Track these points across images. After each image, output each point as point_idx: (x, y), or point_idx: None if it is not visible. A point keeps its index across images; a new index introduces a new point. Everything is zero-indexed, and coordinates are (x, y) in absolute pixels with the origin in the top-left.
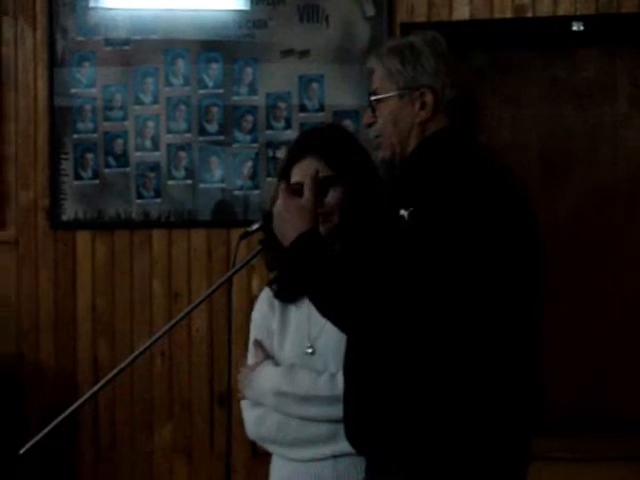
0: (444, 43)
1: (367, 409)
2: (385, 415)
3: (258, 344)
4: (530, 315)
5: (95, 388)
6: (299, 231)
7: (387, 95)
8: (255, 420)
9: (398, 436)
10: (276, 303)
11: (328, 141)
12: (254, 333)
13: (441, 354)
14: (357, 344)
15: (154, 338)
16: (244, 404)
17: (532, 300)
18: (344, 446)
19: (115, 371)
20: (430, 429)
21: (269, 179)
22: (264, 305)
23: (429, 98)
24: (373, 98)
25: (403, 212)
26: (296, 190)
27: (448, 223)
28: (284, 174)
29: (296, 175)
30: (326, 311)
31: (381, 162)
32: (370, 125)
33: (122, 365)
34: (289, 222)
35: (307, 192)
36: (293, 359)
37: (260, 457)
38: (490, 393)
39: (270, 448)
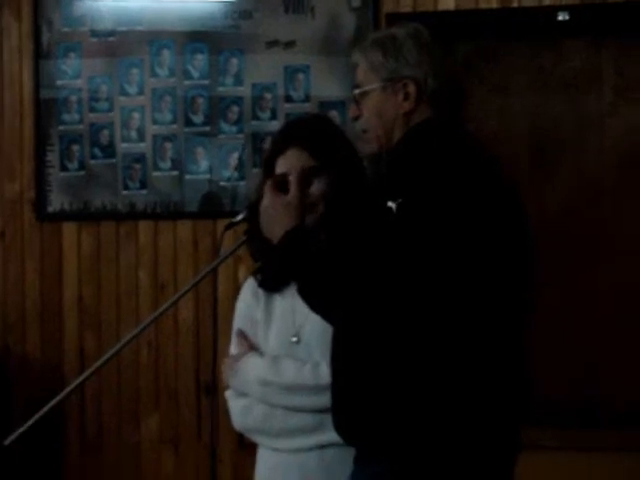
0: (427, 34)
1: (354, 399)
2: (373, 405)
3: (242, 334)
4: (518, 305)
5: (81, 378)
6: (286, 228)
7: (370, 87)
8: (240, 411)
9: (386, 426)
10: (260, 292)
11: (312, 132)
12: (238, 323)
13: (428, 344)
14: (344, 335)
15: (140, 328)
16: (229, 394)
17: (520, 291)
18: (330, 436)
19: (101, 361)
20: (418, 419)
21: (255, 170)
22: (248, 294)
23: (412, 89)
24: (357, 91)
25: (391, 204)
26: (281, 182)
27: (436, 215)
28: (268, 165)
29: (281, 166)
30: (316, 306)
31: (368, 155)
32: (356, 119)
33: (108, 355)
34: (276, 219)
35: (293, 188)
36: (278, 348)
37: (247, 447)
38: (477, 383)
39: (256, 438)
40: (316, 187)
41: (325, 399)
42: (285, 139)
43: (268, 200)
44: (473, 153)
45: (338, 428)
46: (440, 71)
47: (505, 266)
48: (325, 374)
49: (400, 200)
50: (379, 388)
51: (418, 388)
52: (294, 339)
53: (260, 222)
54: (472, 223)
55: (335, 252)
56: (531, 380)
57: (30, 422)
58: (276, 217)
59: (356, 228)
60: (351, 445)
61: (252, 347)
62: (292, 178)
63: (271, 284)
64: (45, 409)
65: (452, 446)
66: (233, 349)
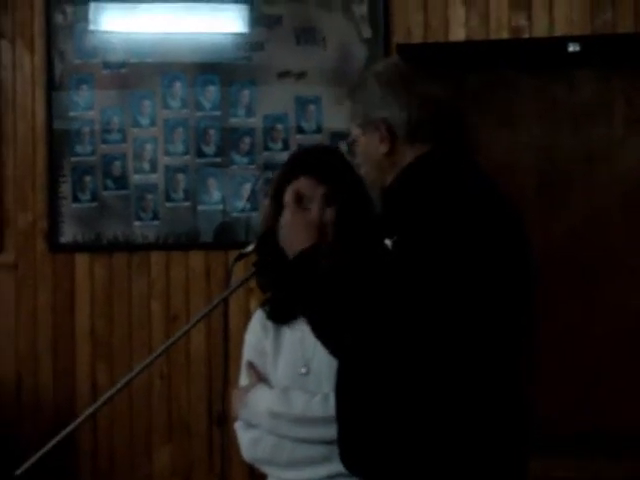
0: (395, 69)
1: (360, 432)
2: (379, 438)
3: (251, 366)
4: (519, 339)
5: (92, 407)
6: (304, 245)
7: (353, 136)
8: (250, 442)
9: (392, 459)
10: (269, 325)
11: (321, 161)
12: (247, 355)
13: (431, 379)
14: (348, 367)
15: (152, 357)
16: (238, 426)
17: (521, 323)
18: (339, 467)
19: (113, 390)
20: (423, 452)
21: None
22: (257, 326)
23: (383, 130)
24: (346, 141)
25: (387, 241)
26: (300, 198)
27: (430, 251)
28: (277, 194)
29: (290, 194)
30: (318, 329)
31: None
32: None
33: (120, 384)
34: (295, 235)
35: (316, 208)
36: (287, 380)
37: (258, 479)
38: (482, 417)
39: (266, 470)
40: (327, 214)
41: (334, 430)
42: (295, 167)
43: (290, 214)
44: (467, 185)
45: (344, 460)
46: (412, 106)
47: (504, 299)
48: (334, 405)
49: (395, 238)
50: (383, 421)
51: (422, 422)
52: (303, 370)
53: (279, 238)
54: (465, 258)
55: (340, 285)
56: (532, 412)
57: (41, 452)
58: (296, 233)
59: (359, 266)
60: (357, 477)
61: (261, 379)
62: (316, 198)
63: (280, 316)
64: (56, 439)
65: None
66: (242, 381)
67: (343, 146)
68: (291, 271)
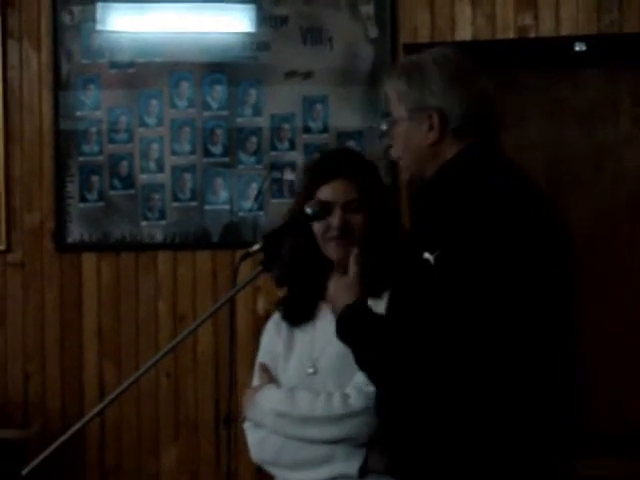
0: (456, 59)
1: (410, 439)
2: (428, 443)
3: (263, 367)
4: (567, 348)
5: (100, 406)
6: (346, 303)
7: (397, 117)
8: (257, 442)
9: (439, 464)
10: (283, 326)
11: (358, 165)
12: (261, 356)
13: (482, 400)
14: (399, 390)
15: (159, 355)
16: (247, 426)
17: (568, 337)
18: (341, 468)
19: (120, 388)
20: (472, 456)
21: (274, 200)
22: (271, 328)
23: (436, 120)
24: (385, 121)
25: (428, 256)
26: (325, 209)
27: (477, 267)
28: (309, 194)
29: (324, 194)
30: (374, 375)
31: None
32: (390, 147)
33: (127, 383)
34: (339, 298)
35: (353, 267)
36: (295, 380)
37: (265, 478)
38: (531, 439)
39: (271, 471)
40: (356, 220)
41: (337, 430)
42: (332, 168)
43: (333, 285)
44: (509, 185)
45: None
46: (467, 99)
47: (553, 312)
48: (338, 405)
49: (438, 252)
50: (432, 440)
51: (473, 436)
52: (310, 370)
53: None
54: (514, 273)
55: (386, 320)
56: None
57: (48, 451)
58: (339, 296)
59: (400, 286)
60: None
61: (272, 380)
62: (352, 258)
63: (293, 315)
64: (63, 438)
65: None
66: (255, 382)
67: (382, 126)
68: (338, 325)
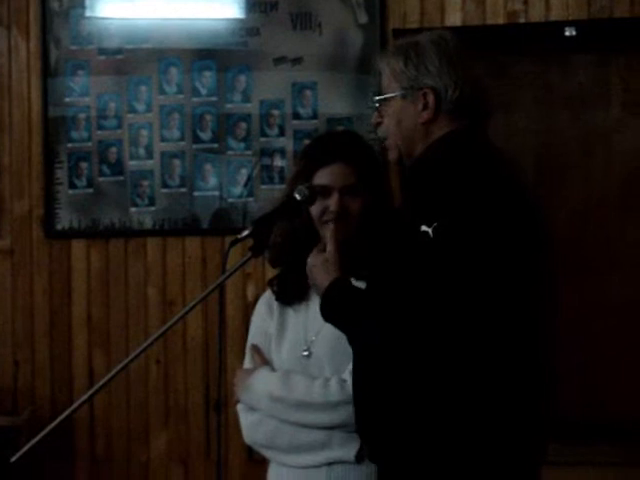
0: (453, 43)
1: (381, 421)
2: (400, 425)
3: (255, 348)
4: (548, 325)
5: (89, 393)
6: (326, 283)
7: (390, 95)
8: (250, 425)
9: (411, 448)
10: (275, 306)
11: (356, 149)
12: (252, 337)
13: (464, 370)
14: (372, 356)
15: (148, 342)
16: (240, 408)
17: (551, 310)
18: (338, 453)
19: (109, 375)
20: (443, 443)
21: (264, 186)
22: (262, 308)
23: (431, 99)
24: (378, 98)
25: (425, 228)
26: (322, 192)
27: (475, 238)
28: (306, 177)
29: (322, 178)
30: (358, 346)
31: (390, 162)
32: (377, 125)
33: (116, 369)
34: (317, 276)
35: (330, 246)
36: (290, 362)
37: (256, 463)
38: (505, 408)
39: (265, 453)
40: (354, 204)
41: (334, 416)
42: (330, 152)
43: (311, 260)
44: (499, 168)
45: (367, 444)
46: (462, 81)
47: (541, 288)
48: (335, 391)
49: (436, 224)
50: (406, 411)
51: (444, 413)
52: (305, 353)
53: (309, 281)
54: (509, 245)
55: (375, 289)
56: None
57: (37, 438)
58: (318, 275)
59: (394, 258)
60: (375, 463)
61: (265, 362)
62: (329, 237)
63: (286, 295)
64: (52, 425)
65: (477, 471)
66: (247, 363)
67: (372, 103)
68: (322, 306)
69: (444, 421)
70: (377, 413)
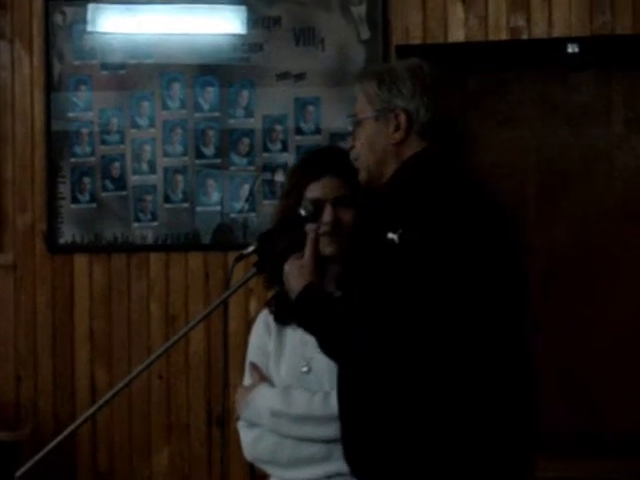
0: (427, 69)
1: (363, 434)
2: (381, 439)
3: (254, 366)
4: (522, 335)
5: (92, 409)
6: (300, 287)
7: (363, 116)
8: (251, 441)
9: (393, 460)
10: (272, 325)
11: (344, 162)
12: (250, 355)
13: (437, 382)
14: (351, 370)
15: (149, 360)
16: (241, 425)
17: (521, 319)
18: (338, 466)
19: (112, 392)
20: (427, 454)
21: (266, 201)
22: (260, 327)
23: (402, 119)
24: (351, 120)
25: (392, 235)
26: (318, 209)
27: (438, 243)
28: (298, 191)
29: (313, 192)
30: (328, 350)
31: (360, 184)
32: (351, 148)
33: (119, 386)
34: (292, 281)
35: (307, 252)
36: (289, 378)
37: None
38: (485, 419)
39: (267, 469)
40: (347, 215)
41: (334, 429)
42: (321, 166)
43: (287, 266)
44: (465, 183)
45: (348, 460)
46: (434, 104)
47: (508, 294)
48: (335, 404)
49: (401, 231)
50: (386, 425)
51: (426, 424)
52: (304, 369)
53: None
54: (472, 253)
55: (345, 297)
56: (539, 410)
57: (41, 454)
58: (292, 279)
59: (362, 266)
60: (360, 477)
61: (263, 378)
62: (308, 242)
63: (283, 315)
64: (56, 441)
65: None
66: (246, 381)
67: (346, 125)
68: (295, 310)
69: (416, 438)
70: (353, 427)
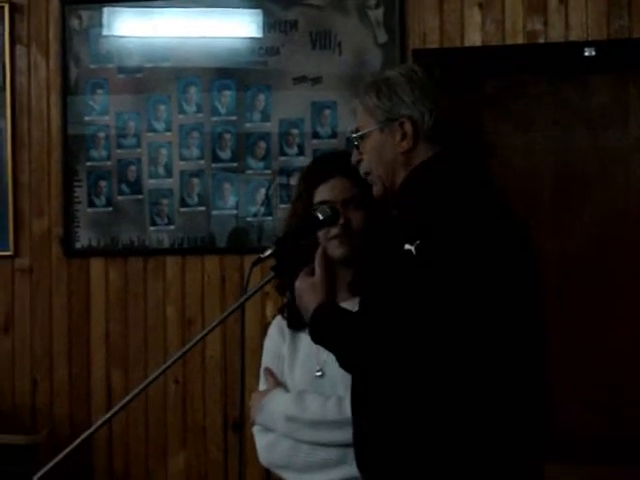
0: (421, 73)
1: (376, 438)
2: (396, 446)
3: (268, 371)
4: (538, 344)
5: (109, 414)
6: (313, 306)
7: (368, 130)
8: (266, 446)
9: (407, 464)
10: (286, 330)
11: (351, 164)
12: (265, 360)
13: (455, 391)
14: (367, 375)
15: (167, 364)
16: (256, 430)
17: (537, 328)
18: (352, 470)
19: (129, 397)
20: (437, 460)
21: (282, 205)
22: (275, 332)
23: (408, 127)
24: (355, 135)
25: (409, 247)
26: (336, 213)
27: (456, 254)
28: (308, 194)
29: (323, 194)
30: (346, 365)
31: (376, 197)
32: (358, 162)
33: (135, 391)
34: (305, 299)
35: (318, 269)
36: (303, 383)
37: None
38: (498, 425)
39: (282, 474)
40: (357, 217)
41: (348, 433)
42: (329, 168)
43: (299, 283)
44: (479, 188)
45: (360, 464)
46: (436, 108)
47: (523, 305)
48: (348, 408)
49: (418, 242)
50: (400, 429)
51: (440, 430)
52: (318, 373)
53: (297, 304)
54: (490, 260)
55: (363, 310)
56: (552, 417)
57: (58, 458)
58: (305, 298)
59: (379, 278)
60: None
61: (278, 384)
62: (317, 260)
63: (296, 321)
64: (73, 445)
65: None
66: (261, 386)
67: (350, 138)
68: (310, 330)
69: (432, 442)
70: (369, 436)
